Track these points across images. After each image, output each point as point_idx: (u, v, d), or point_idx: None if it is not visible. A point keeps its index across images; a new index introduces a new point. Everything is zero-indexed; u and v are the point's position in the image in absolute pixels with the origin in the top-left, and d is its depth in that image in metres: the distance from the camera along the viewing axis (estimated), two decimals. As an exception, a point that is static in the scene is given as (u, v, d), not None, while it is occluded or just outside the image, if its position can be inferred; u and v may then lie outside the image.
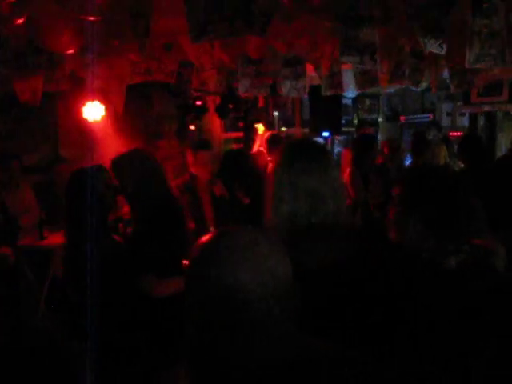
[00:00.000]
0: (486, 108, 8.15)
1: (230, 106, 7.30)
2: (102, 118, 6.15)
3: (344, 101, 9.48)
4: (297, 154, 1.89)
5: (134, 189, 3.45)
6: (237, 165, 6.49)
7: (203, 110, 7.15)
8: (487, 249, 2.10)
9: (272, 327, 1.18)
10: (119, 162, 3.53)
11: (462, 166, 5.98)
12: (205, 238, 1.27)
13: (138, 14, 2.90)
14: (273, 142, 6.63)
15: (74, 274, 3.29)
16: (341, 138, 9.93)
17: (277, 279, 1.20)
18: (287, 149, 1.96)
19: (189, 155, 4.95)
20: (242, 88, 4.89)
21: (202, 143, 5.12)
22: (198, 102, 7.13)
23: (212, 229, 4.84)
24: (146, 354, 3.56)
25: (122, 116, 6.89)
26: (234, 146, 8.33)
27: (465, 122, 10.45)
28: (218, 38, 2.20)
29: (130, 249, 3.35)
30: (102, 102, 5.92)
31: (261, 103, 8.11)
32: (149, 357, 3.55)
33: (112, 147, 5.89)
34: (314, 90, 6.32)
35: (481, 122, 9.27)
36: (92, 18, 3.27)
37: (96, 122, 6.17)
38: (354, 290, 1.71)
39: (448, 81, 5.70)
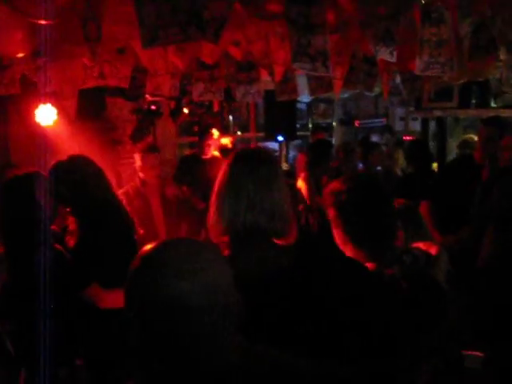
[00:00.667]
0: (437, 113, 8.34)
1: (185, 110, 7.27)
2: (55, 122, 6.03)
3: (299, 105, 9.56)
4: (243, 159, 1.93)
5: (72, 196, 3.39)
6: (191, 170, 6.46)
7: (158, 114, 7.10)
8: (428, 255, 2.15)
9: (216, 338, 1.17)
10: (57, 168, 3.46)
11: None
12: (147, 247, 1.26)
13: (88, 17, 2.86)
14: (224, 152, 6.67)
15: (15, 285, 3.20)
16: (296, 142, 10.01)
17: (219, 289, 1.20)
18: (236, 154, 1.99)
19: (137, 159, 4.93)
20: (197, 93, 4.89)
21: (149, 146, 5.09)
22: (153, 107, 7.08)
23: (162, 234, 4.79)
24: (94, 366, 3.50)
25: (76, 121, 6.79)
26: (188, 152, 8.29)
27: (417, 126, 10.66)
28: (170, 44, 2.20)
29: (74, 258, 3.28)
30: (54, 105, 5.82)
31: (216, 108, 8.10)
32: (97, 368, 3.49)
33: (65, 152, 5.78)
34: (269, 95, 6.36)
35: (432, 126, 9.47)
36: (43, 22, 3.22)
37: (48, 127, 6.05)
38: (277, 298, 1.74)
39: (400, 87, 5.82)
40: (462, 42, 3.53)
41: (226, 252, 1.83)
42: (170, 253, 1.21)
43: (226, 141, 7.55)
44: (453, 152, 9.09)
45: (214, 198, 1.92)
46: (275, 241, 1.86)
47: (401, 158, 7.56)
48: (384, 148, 8.60)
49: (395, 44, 3.11)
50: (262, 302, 1.70)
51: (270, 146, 9.90)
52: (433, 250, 2.21)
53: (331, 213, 2.18)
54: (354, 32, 3.27)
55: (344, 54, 4.74)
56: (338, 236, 2.19)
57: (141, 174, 4.91)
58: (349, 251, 2.15)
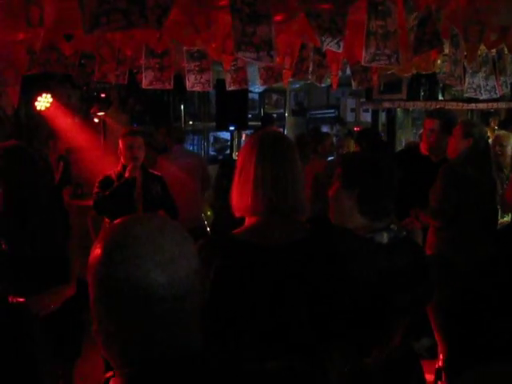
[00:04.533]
0: (387, 105, 8.46)
1: (134, 99, 7.19)
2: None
3: (251, 95, 9.55)
4: (265, 142, 2.09)
5: None
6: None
7: (107, 102, 6.99)
8: (409, 229, 2.43)
9: (178, 324, 1.16)
10: None
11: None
12: (109, 231, 1.20)
13: (30, 1, 2.78)
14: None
15: None
16: (247, 132, 10.01)
17: (188, 272, 1.17)
18: (257, 137, 2.14)
19: (119, 144, 4.85)
20: (146, 81, 4.82)
21: (130, 130, 5.07)
22: (103, 95, 6.97)
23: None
24: None
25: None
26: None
27: (368, 117, 10.81)
28: (112, 31, 2.17)
29: None
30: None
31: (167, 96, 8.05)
32: None
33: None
34: (221, 84, 6.33)
35: (382, 117, 9.61)
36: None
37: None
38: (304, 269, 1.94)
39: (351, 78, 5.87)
40: (408, 35, 3.58)
41: (251, 228, 2.03)
42: (135, 234, 1.15)
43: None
44: (402, 143, 9.25)
45: (237, 178, 2.08)
46: (293, 219, 2.05)
47: (352, 147, 7.66)
48: (335, 139, 8.69)
49: (342, 35, 3.14)
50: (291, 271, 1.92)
51: (222, 136, 9.90)
52: (410, 225, 2.50)
53: (340, 175, 2.40)
54: (302, 22, 3.27)
55: (293, 44, 4.76)
56: (340, 206, 2.40)
57: (122, 159, 4.85)
58: (352, 220, 2.37)
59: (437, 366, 4.32)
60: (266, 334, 1.87)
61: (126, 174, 4.70)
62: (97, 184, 4.78)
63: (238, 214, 2.09)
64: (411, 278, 2.26)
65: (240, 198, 2.05)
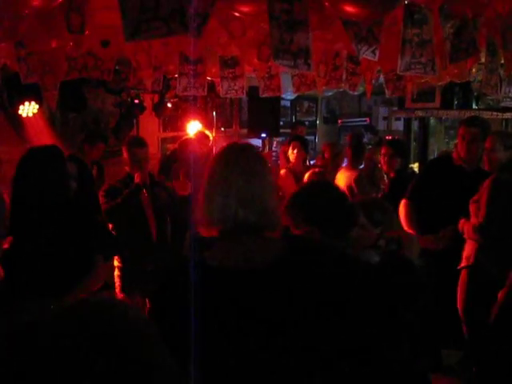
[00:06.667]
0: (419, 113, 8.38)
1: (169, 105, 7.26)
2: (37, 114, 6.04)
3: (282, 102, 9.56)
4: (233, 154, 1.94)
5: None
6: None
7: (141, 108, 7.07)
8: (400, 241, 2.27)
9: None
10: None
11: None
12: None
13: (72, 9, 2.84)
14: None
15: None
16: (279, 139, 10.02)
17: None
18: (223, 149, 2.00)
19: (124, 153, 4.79)
20: (180, 87, 4.88)
21: (137, 140, 4.97)
22: (136, 101, 7.05)
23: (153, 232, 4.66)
24: None
25: (58, 112, 6.76)
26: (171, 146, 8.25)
27: (400, 126, 10.73)
28: (153, 38, 2.20)
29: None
30: (35, 98, 5.82)
31: (200, 103, 8.11)
32: None
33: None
34: (253, 91, 6.36)
35: (415, 126, 9.53)
36: (26, 11, 3.19)
37: (30, 119, 6.06)
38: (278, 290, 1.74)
39: (384, 86, 5.86)
40: (443, 43, 3.56)
41: (215, 247, 1.86)
42: None
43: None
44: (434, 152, 9.17)
45: (202, 193, 1.91)
46: (264, 235, 1.87)
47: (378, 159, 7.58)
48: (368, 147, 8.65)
49: (378, 43, 3.13)
50: (251, 297, 1.73)
51: (253, 143, 9.91)
52: (403, 237, 2.37)
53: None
54: (338, 30, 3.28)
55: (328, 52, 4.77)
56: None
57: (127, 168, 4.78)
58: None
59: (471, 379, 4.26)
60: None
61: (137, 180, 4.55)
62: (102, 193, 4.64)
63: (201, 230, 1.90)
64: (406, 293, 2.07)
65: (205, 212, 1.87)
